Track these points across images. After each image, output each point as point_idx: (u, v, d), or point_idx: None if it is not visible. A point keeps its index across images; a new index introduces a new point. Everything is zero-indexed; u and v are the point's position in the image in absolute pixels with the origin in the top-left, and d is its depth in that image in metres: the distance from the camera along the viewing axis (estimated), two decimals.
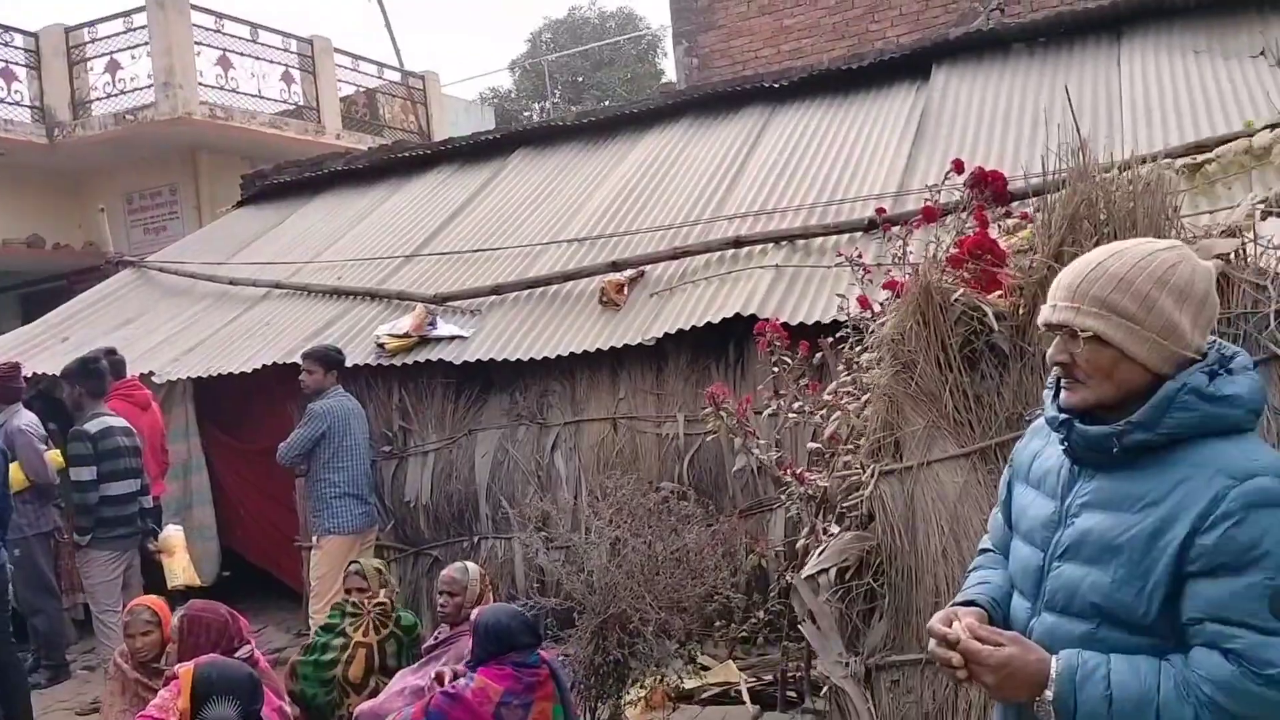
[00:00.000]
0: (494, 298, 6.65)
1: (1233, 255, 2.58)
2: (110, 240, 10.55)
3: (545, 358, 5.90)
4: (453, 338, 6.29)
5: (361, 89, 13.55)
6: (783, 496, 4.33)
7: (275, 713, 3.87)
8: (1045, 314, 1.70)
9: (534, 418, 6.10)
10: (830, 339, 4.33)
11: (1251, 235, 2.65)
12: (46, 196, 11.73)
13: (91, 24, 11.17)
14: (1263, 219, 2.73)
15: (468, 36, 49.17)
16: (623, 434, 5.83)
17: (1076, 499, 1.69)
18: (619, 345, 5.75)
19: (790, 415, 4.09)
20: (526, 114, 24.59)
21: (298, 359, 6.18)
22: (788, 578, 4.13)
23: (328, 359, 5.84)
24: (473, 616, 3.73)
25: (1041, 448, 1.82)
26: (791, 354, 4.26)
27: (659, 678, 4.28)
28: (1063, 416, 1.70)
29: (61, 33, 11.07)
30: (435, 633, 4.39)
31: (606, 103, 22.66)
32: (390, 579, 4.62)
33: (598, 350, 5.80)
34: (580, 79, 25.29)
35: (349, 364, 6.11)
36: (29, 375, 6.69)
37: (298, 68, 12.36)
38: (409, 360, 6.22)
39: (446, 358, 6.13)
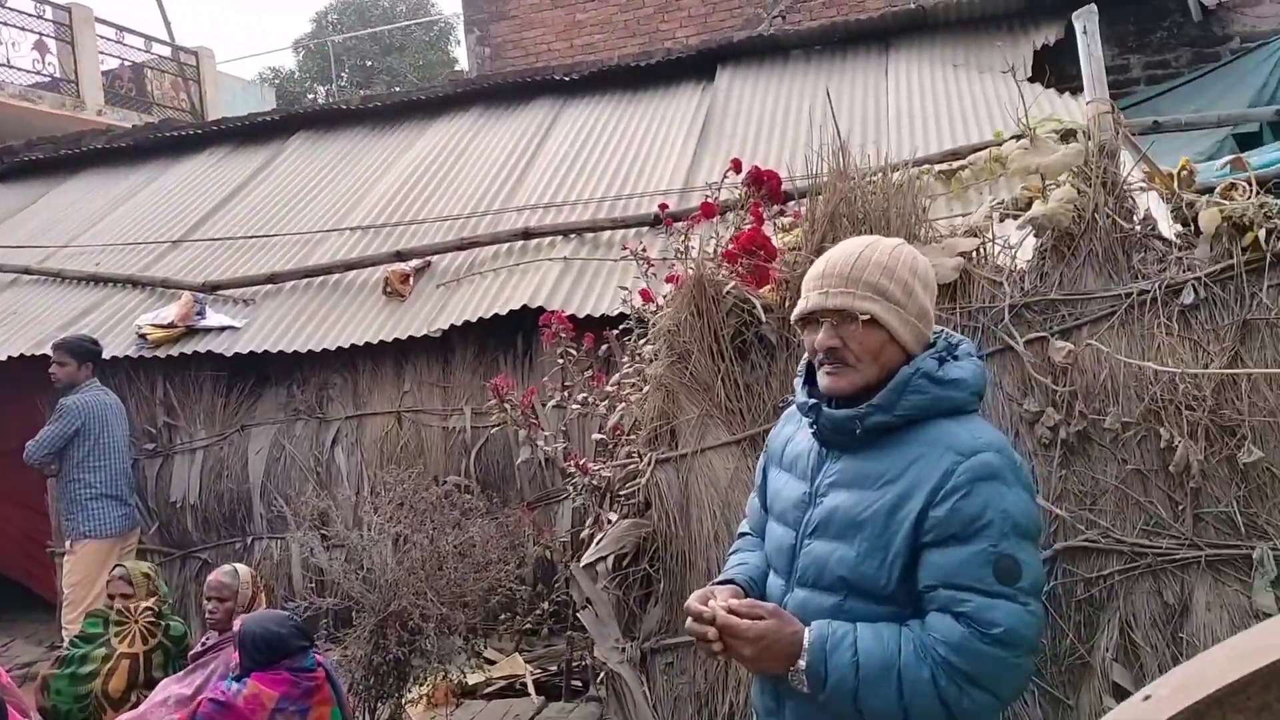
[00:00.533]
0: (269, 286, 6.34)
1: (974, 253, 2.79)
2: None
3: (325, 350, 5.68)
4: (223, 328, 5.96)
5: (127, 63, 12.60)
6: (569, 488, 4.36)
7: None
8: (816, 300, 1.77)
9: (313, 412, 5.87)
10: (615, 331, 4.39)
11: (990, 235, 2.87)
12: None
13: None
14: (1000, 220, 2.97)
15: (247, 12, 46.60)
16: (408, 428, 5.70)
17: (825, 479, 1.78)
18: (403, 337, 5.61)
19: (575, 407, 4.11)
20: (311, 96, 23.64)
21: (48, 350, 5.69)
22: (569, 567, 4.16)
23: (81, 350, 5.40)
24: (235, 625, 3.55)
25: (793, 433, 1.90)
26: (577, 346, 4.29)
27: (441, 674, 4.21)
28: (812, 401, 1.79)
29: None
30: (203, 638, 4.15)
31: (396, 89, 22.12)
32: (160, 584, 4.32)
33: (381, 342, 5.64)
34: (370, 63, 24.54)
35: (107, 356, 5.69)
36: None
37: (53, 36, 11.35)
38: (174, 352, 5.86)
39: (216, 349, 5.80)
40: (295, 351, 5.70)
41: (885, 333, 1.74)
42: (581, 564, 3.00)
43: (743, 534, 2.03)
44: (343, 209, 7.17)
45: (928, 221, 2.80)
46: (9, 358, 6.01)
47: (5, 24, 10.78)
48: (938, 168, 5.39)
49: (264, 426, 5.89)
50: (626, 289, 4.41)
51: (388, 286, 5.98)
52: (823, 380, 1.78)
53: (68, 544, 5.33)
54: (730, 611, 1.67)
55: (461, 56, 24.56)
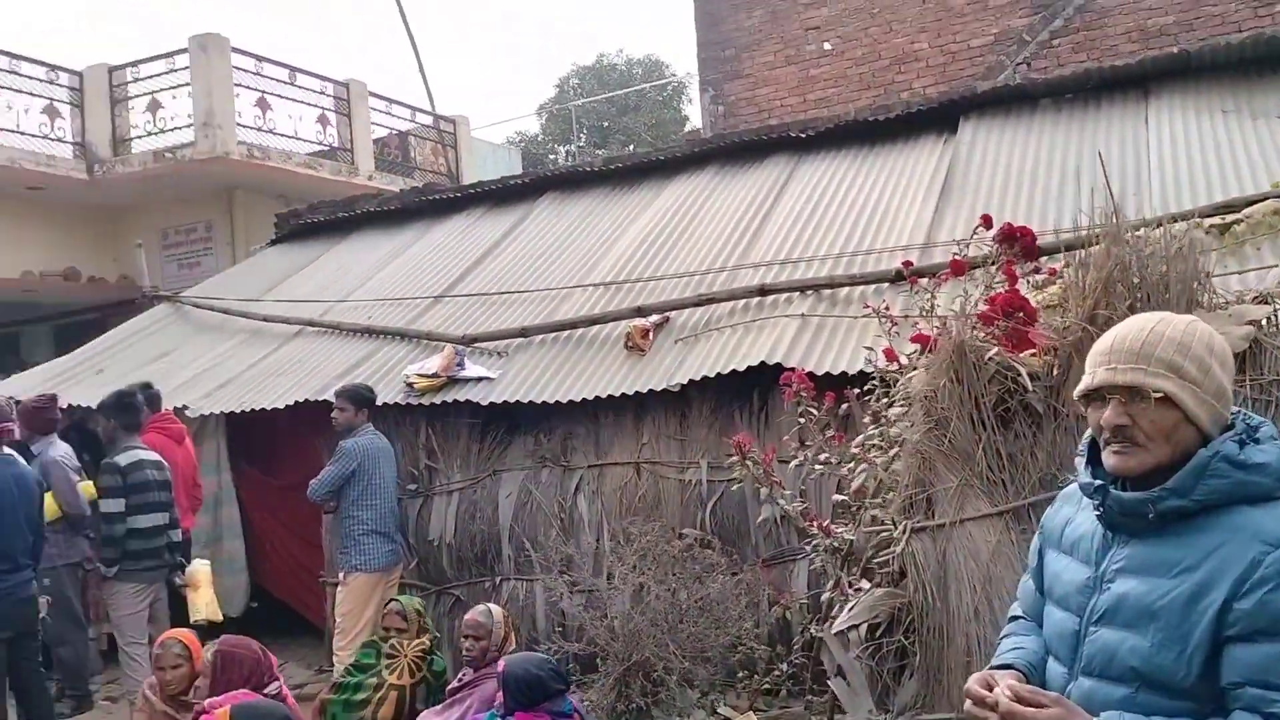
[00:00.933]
0: (521, 339, 6.72)
1: (1264, 321, 2.61)
2: (146, 275, 10.72)
3: (570, 400, 5.95)
4: (480, 379, 6.36)
5: (394, 131, 13.78)
6: (807, 548, 4.35)
7: None
8: (1104, 376, 1.72)
9: (558, 460, 6.14)
10: (856, 390, 4.37)
11: None
12: (83, 230, 11.95)
13: (135, 64, 11.44)
14: None
15: (497, 81, 49.84)
16: (645, 479, 5.85)
17: (1111, 564, 1.72)
18: (643, 390, 5.79)
19: (816, 466, 4.11)
20: (552, 157, 24.90)
21: (329, 396, 6.27)
22: (813, 631, 4.14)
23: (359, 397, 5.92)
24: (499, 666, 3.75)
25: (1073, 514, 1.85)
26: (817, 404, 4.30)
27: None
28: (1098, 483, 1.73)
29: (105, 72, 11.35)
30: (459, 675, 4.41)
31: (631, 147, 22.95)
32: (429, 622, 4.64)
33: (622, 395, 5.85)
34: (606, 124, 25.62)
35: (379, 402, 6.19)
36: (64, 406, 6.80)
37: (333, 110, 12.59)
38: (437, 400, 6.29)
39: (474, 398, 6.19)
40: (543, 402, 6.00)
41: (1179, 412, 1.67)
42: (833, 630, 2.99)
43: (1015, 617, 1.98)
44: (586, 265, 7.51)
45: (1211, 285, 2.64)
46: (294, 402, 6.64)
47: (295, 100, 12.06)
48: (1207, 222, 5.04)
49: (513, 472, 6.21)
50: (870, 348, 4.38)
51: (629, 341, 6.20)
52: (1109, 460, 1.72)
53: (340, 575, 5.81)
54: (1015, 699, 1.63)
55: (693, 114, 25.23)
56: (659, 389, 5.70)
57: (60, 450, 6.20)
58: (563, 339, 6.60)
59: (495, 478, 6.26)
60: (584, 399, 5.90)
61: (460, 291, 7.77)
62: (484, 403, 6.14)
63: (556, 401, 5.96)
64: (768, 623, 4.66)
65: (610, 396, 5.84)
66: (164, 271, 11.60)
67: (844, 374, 5.07)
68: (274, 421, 6.96)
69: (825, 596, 3.80)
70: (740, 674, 4.55)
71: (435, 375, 6.38)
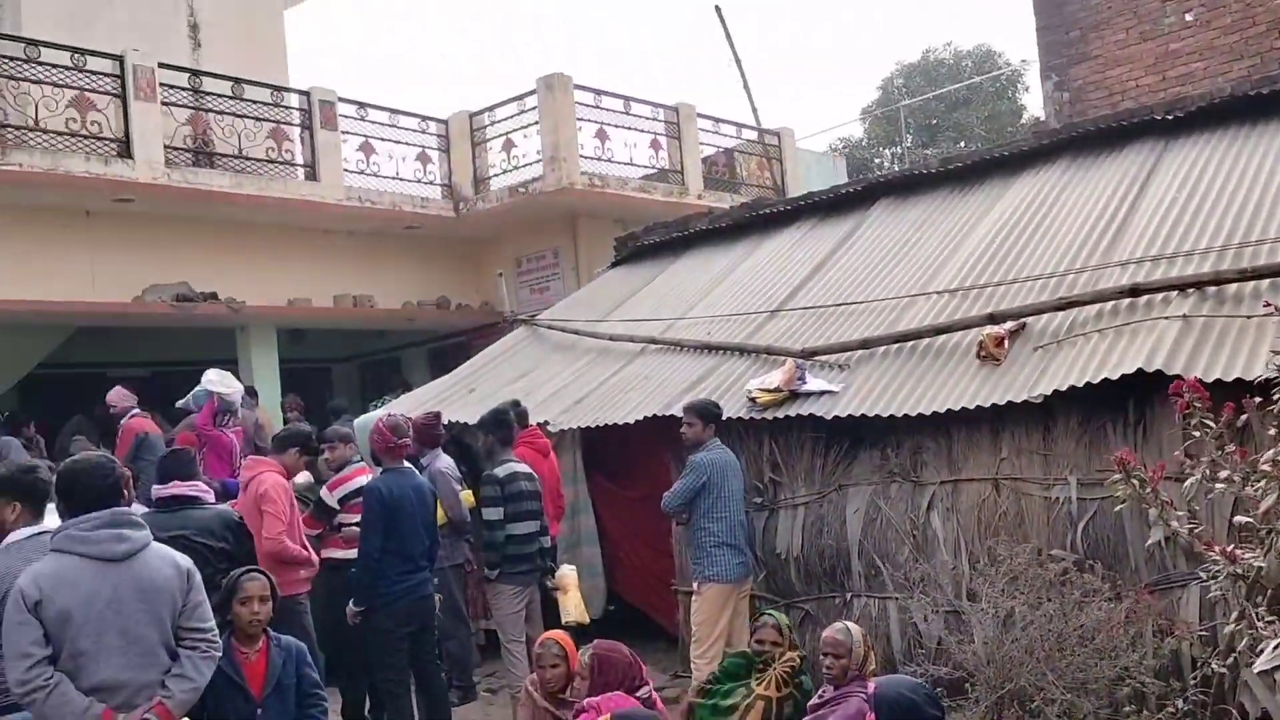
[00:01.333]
0: (862, 351, 6.61)
1: None
2: (507, 301, 11.72)
3: (920, 414, 5.76)
4: (822, 392, 6.33)
5: (720, 149, 14.11)
6: (1201, 573, 3.93)
7: None
8: None
9: (907, 475, 5.97)
10: (1257, 399, 3.89)
11: None
12: (451, 262, 13.25)
13: (491, 108, 12.55)
14: None
15: (816, 88, 49.72)
16: (1006, 496, 5.54)
17: None
18: (1001, 402, 5.50)
19: (1217, 485, 3.70)
20: (878, 161, 24.41)
21: (675, 411, 6.50)
22: (1215, 665, 3.73)
23: (707, 413, 6.09)
24: (869, 687, 3.69)
25: None
26: (1214, 416, 3.86)
27: None
28: None
29: (466, 118, 12.54)
30: (819, 692, 4.39)
31: (963, 144, 22.00)
32: (797, 639, 4.69)
33: (978, 407, 5.58)
34: (934, 121, 24.73)
35: (723, 417, 6.32)
36: (445, 423, 7.55)
37: (664, 134, 13.11)
38: (779, 414, 6.33)
39: (817, 412, 6.16)
40: (891, 415, 5.86)
41: None
42: (1255, 669, 2.66)
43: None
44: (928, 272, 7.27)
45: None
46: (644, 417, 6.94)
47: (630, 129, 12.69)
48: None
49: (860, 487, 6.11)
50: (1278, 351, 3.88)
51: (981, 350, 5.91)
52: None
53: (695, 585, 5.99)
54: None
55: (1030, 103, 23.77)
56: (1019, 400, 5.39)
57: (444, 462, 6.89)
58: (907, 350, 6.42)
59: (841, 492, 6.19)
60: (934, 412, 5.70)
61: (796, 305, 7.78)
62: (828, 416, 6.10)
63: (905, 415, 5.80)
64: (1161, 655, 4.23)
65: (964, 409, 5.59)
66: (518, 296, 12.59)
67: (1239, 381, 4.53)
68: (624, 435, 7.31)
69: (1228, 629, 3.40)
70: (1127, 709, 4.17)
71: (777, 389, 6.42)
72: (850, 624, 4.59)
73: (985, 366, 5.85)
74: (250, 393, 9.93)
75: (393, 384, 13.11)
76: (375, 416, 6.86)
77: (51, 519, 4.08)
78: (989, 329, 5.99)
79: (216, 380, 8.23)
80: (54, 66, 9.34)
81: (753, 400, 6.51)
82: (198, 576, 3.59)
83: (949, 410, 5.66)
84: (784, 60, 50.89)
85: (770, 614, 4.92)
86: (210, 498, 5.25)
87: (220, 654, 3.64)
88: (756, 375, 6.84)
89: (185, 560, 3.61)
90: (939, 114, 24.68)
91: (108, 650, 3.32)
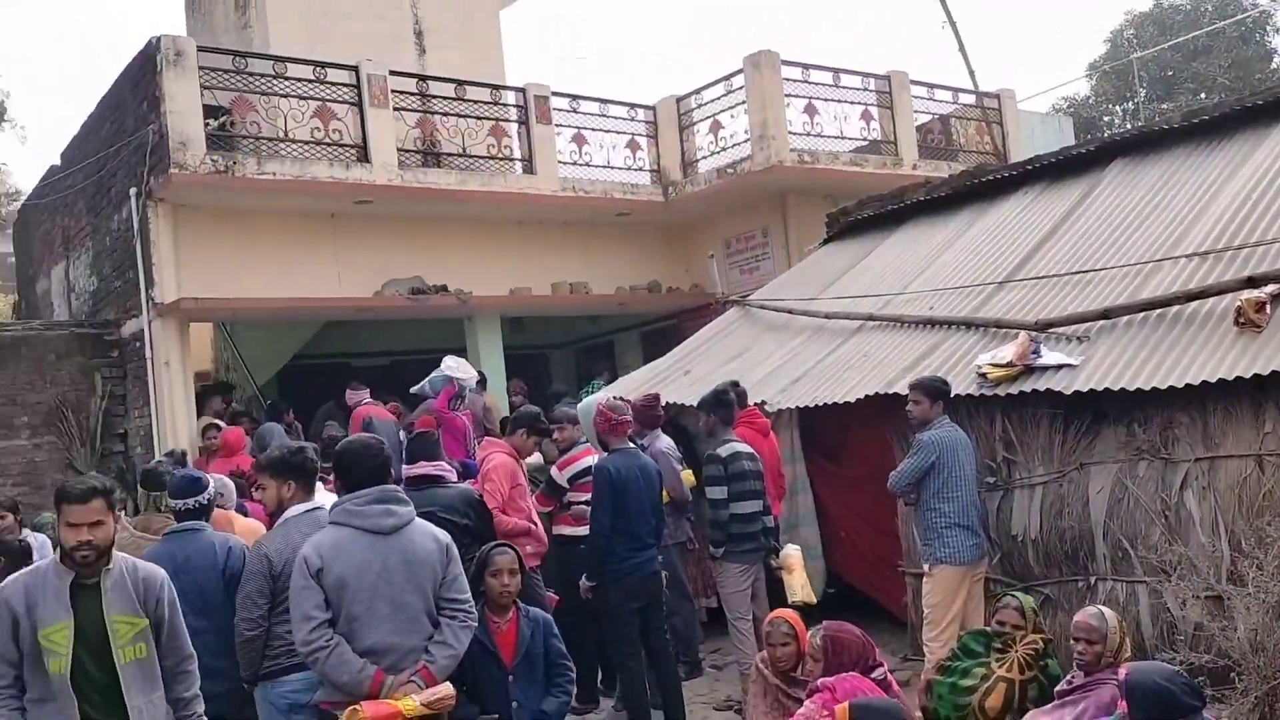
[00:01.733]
0: (1103, 322, 6.23)
1: None
2: (718, 282, 11.79)
3: (1171, 387, 5.38)
4: (1060, 366, 6.02)
5: (935, 116, 13.60)
6: None
7: None
8: None
9: (1157, 452, 5.59)
10: None
11: None
12: (660, 247, 13.45)
13: (697, 91, 12.62)
14: None
15: (1037, 46, 47.00)
16: (1271, 474, 5.10)
17: None
18: (1264, 372, 5.06)
19: None
20: (1107, 119, 22.83)
21: (898, 389, 6.35)
22: None
23: (934, 390, 5.92)
24: (1121, 673, 3.50)
25: None
26: None
27: None
28: None
29: (673, 103, 12.67)
30: (1069, 677, 4.21)
31: (1204, 96, 20.24)
32: (1043, 622, 4.53)
33: (1237, 378, 5.16)
34: (1170, 73, 22.86)
35: (951, 394, 6.12)
36: (662, 405, 7.68)
37: (875, 104, 12.78)
38: (1013, 390, 6.07)
39: (1055, 387, 5.87)
40: (1138, 389, 5.50)
41: None
42: None
43: None
44: (1174, 235, 6.77)
45: None
46: (865, 395, 6.82)
47: (839, 101, 12.44)
48: None
49: (1104, 465, 5.78)
50: None
51: (1240, 317, 5.45)
52: None
53: (926, 567, 5.85)
54: None
55: None
56: None
57: (665, 443, 7.03)
58: (1153, 319, 6.01)
59: (1083, 471, 5.87)
60: (1187, 384, 5.30)
61: (1026, 275, 7.43)
62: (1067, 391, 5.79)
63: (1154, 388, 5.43)
64: None
65: (1222, 381, 5.18)
66: (727, 278, 12.62)
67: None
68: (842, 415, 7.21)
69: None
70: None
71: (1010, 364, 6.16)
72: (1105, 609, 4.37)
73: (1244, 334, 5.40)
74: (480, 379, 10.47)
75: (599, 369, 13.46)
76: (595, 400, 7.08)
77: (322, 496, 4.48)
78: (1247, 293, 5.52)
79: (455, 366, 8.72)
80: (299, 80, 10.12)
81: (983, 376, 6.27)
82: (455, 550, 3.84)
83: (1204, 382, 5.26)
84: (1001, 18, 48.42)
85: (1014, 595, 4.75)
86: (453, 477, 5.58)
87: (476, 623, 3.87)
88: (986, 350, 6.58)
89: (444, 535, 3.87)
90: (1175, 65, 22.75)
91: (378, 616, 3.60)
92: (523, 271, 12.08)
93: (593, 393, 9.00)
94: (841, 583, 8.00)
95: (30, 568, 3.64)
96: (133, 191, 9.92)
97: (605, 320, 14.59)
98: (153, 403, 9.89)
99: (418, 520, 3.82)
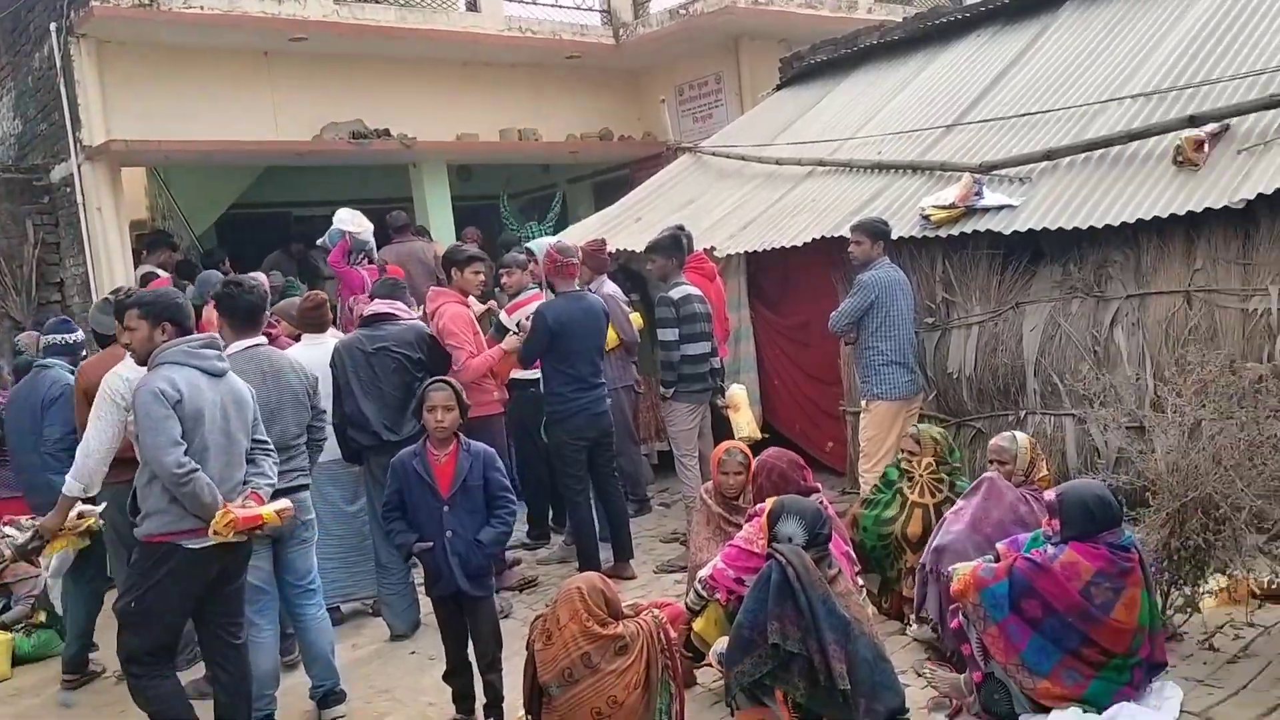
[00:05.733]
0: (1045, 164, 6.28)
1: None
2: (670, 129, 11.60)
3: (1107, 225, 5.47)
4: (1000, 207, 6.08)
5: None
6: None
7: (843, 556, 4.19)
8: None
9: (1090, 291, 5.74)
10: None
11: None
12: (612, 93, 13.12)
13: None
14: None
15: None
16: (1199, 309, 5.28)
17: None
18: (1197, 209, 5.16)
19: None
20: None
21: (844, 233, 6.39)
22: None
23: (875, 230, 5.97)
24: (1050, 495, 3.66)
25: None
26: None
27: (1246, 570, 3.92)
28: None
29: None
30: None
31: None
32: (948, 448, 4.71)
33: (1170, 216, 5.26)
34: None
35: (894, 236, 6.18)
36: (611, 251, 7.67)
37: None
38: (954, 231, 6.14)
39: (994, 228, 5.95)
40: (1074, 228, 5.60)
41: None
42: None
43: None
44: (1120, 77, 6.75)
45: None
46: (811, 240, 6.85)
47: None
48: None
49: (1039, 304, 5.93)
50: None
51: (1179, 155, 5.52)
52: None
53: (863, 403, 6.02)
54: None
55: None
56: (1219, 206, 5.04)
57: (611, 288, 7.05)
58: (1094, 159, 6.06)
59: (1018, 310, 6.03)
60: (1123, 223, 5.40)
61: (974, 118, 7.40)
62: (1006, 231, 5.88)
63: (1090, 227, 5.53)
64: None
65: (1155, 219, 5.29)
66: (680, 126, 12.41)
67: None
68: (787, 262, 7.25)
69: None
70: None
71: (952, 206, 6.22)
72: (1018, 433, 4.58)
73: (1182, 173, 5.48)
74: (420, 231, 10.32)
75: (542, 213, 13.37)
76: (544, 242, 7.06)
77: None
78: (1188, 132, 5.57)
79: (347, 220, 8.58)
80: None
81: (926, 218, 6.33)
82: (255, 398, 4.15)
83: (1139, 220, 5.36)
84: None
85: (915, 427, 4.93)
86: (406, 315, 5.61)
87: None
88: (930, 193, 6.62)
89: (248, 385, 4.14)
90: None
91: (217, 449, 3.86)
92: (469, 117, 11.75)
93: (534, 237, 8.93)
94: (775, 431, 8.21)
95: None
96: (53, 27, 9.42)
97: (556, 170, 14.36)
98: (87, 250, 9.65)
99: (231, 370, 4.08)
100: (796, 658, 3.50)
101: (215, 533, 3.70)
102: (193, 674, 4.63)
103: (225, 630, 4.00)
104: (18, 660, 5.73)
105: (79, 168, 9.54)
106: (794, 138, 8.98)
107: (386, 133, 10.90)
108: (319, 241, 9.34)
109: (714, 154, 9.56)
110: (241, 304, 4.49)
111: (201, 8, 9.27)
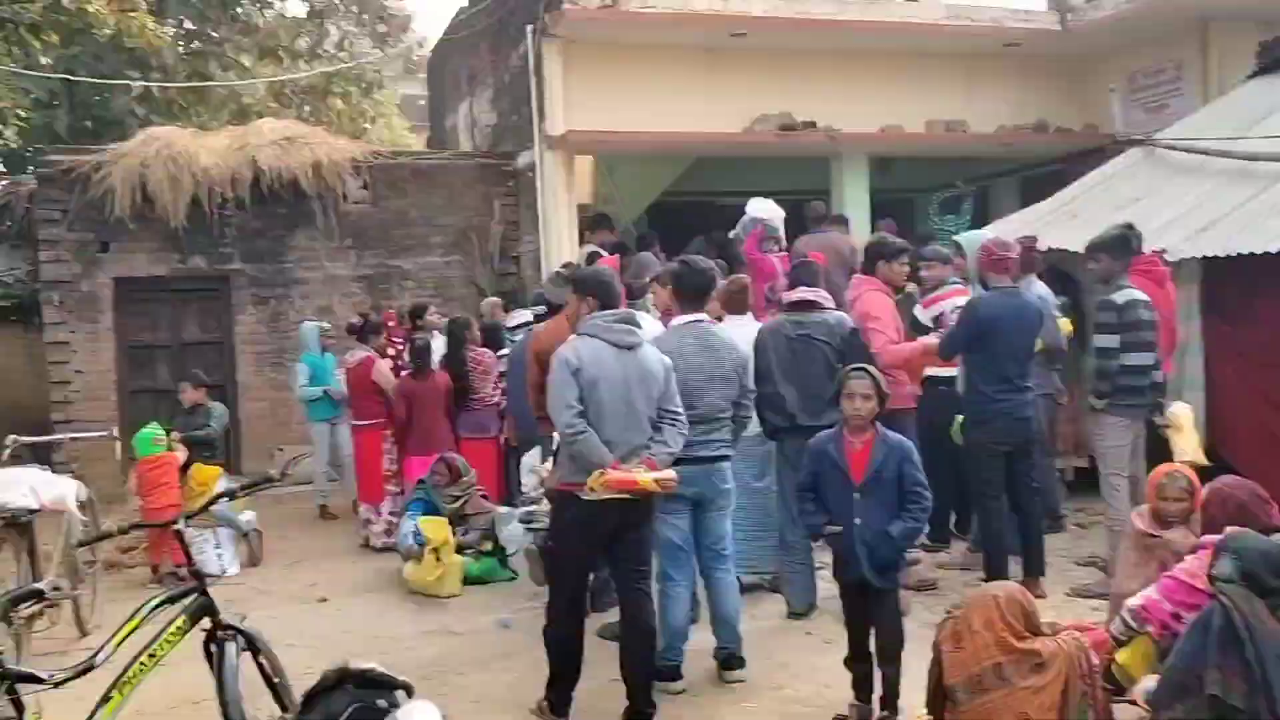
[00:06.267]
0: None
1: None
2: (1118, 119, 10.69)
3: None
4: None
5: None
6: None
7: None
8: None
9: None
10: None
11: None
12: (1051, 82, 12.27)
13: None
14: None
15: None
16: None
17: None
18: None
19: None
20: None
21: None
22: None
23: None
24: None
25: None
26: None
27: None
28: None
29: None
30: None
31: None
32: None
33: None
34: None
35: None
36: (1043, 250, 7.22)
37: None
38: None
39: None
40: None
41: None
42: None
43: None
44: None
45: None
46: None
47: None
48: None
49: None
50: None
51: None
52: None
53: None
54: None
55: None
56: None
57: (1040, 289, 6.66)
58: None
59: None
60: None
61: None
62: None
63: None
64: None
65: None
66: (1128, 117, 11.34)
67: None
68: (1254, 272, 6.40)
69: None
70: None
71: None
72: None
73: None
74: (839, 220, 10.36)
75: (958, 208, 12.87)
76: (981, 234, 6.85)
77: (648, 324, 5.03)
78: None
79: (760, 208, 8.68)
80: None
81: None
82: (673, 370, 4.46)
83: None
84: None
85: None
86: (829, 304, 5.70)
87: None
88: None
89: (666, 359, 4.46)
90: None
91: (616, 415, 4.24)
92: (895, 108, 11.56)
93: (953, 232, 8.64)
94: (1222, 461, 7.26)
95: None
96: (529, 29, 10.59)
97: (980, 164, 13.74)
98: (541, 229, 10.78)
99: (647, 344, 4.42)
100: (1240, 715, 3.15)
101: (591, 489, 4.11)
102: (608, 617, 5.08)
103: (630, 575, 4.42)
104: (468, 581, 6.62)
105: (541, 156, 10.67)
106: (1271, 130, 7.89)
107: (812, 124, 11.06)
108: (732, 233, 9.67)
109: (1171, 147, 8.66)
110: (694, 281, 4.92)
111: (656, 7, 9.96)
